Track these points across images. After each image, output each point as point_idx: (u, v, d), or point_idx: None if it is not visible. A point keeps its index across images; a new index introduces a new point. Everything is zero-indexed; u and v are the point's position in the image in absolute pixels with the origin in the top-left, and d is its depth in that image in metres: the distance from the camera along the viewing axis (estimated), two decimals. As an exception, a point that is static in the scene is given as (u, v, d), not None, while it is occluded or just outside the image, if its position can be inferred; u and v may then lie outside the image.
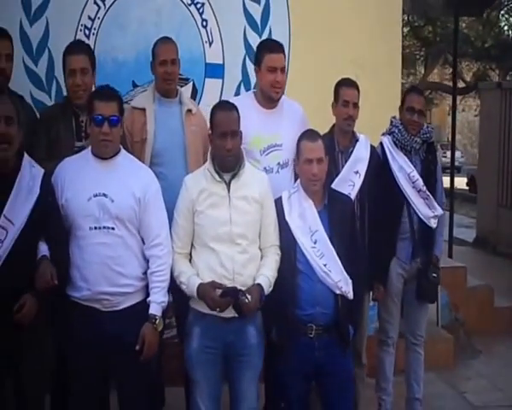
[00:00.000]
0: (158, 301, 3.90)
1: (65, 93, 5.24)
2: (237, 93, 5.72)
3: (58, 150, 4.26)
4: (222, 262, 3.90)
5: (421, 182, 4.80)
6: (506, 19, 20.68)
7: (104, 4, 5.50)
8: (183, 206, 3.99)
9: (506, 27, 21.07)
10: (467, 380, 6.39)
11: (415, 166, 4.84)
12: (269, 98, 4.58)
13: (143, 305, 3.91)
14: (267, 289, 3.95)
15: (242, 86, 5.75)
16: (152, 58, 4.70)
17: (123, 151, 4.03)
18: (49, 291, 3.72)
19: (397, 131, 4.85)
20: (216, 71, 5.71)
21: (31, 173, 3.83)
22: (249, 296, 3.86)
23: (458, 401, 5.92)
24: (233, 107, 4.03)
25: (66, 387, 4.05)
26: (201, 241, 3.96)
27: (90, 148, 4.01)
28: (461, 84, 18.07)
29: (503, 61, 17.81)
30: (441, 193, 5.01)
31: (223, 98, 5.60)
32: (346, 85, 4.70)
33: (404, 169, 4.82)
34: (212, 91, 5.60)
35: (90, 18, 5.48)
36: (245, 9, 5.76)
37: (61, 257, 3.83)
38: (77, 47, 4.50)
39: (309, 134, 4.19)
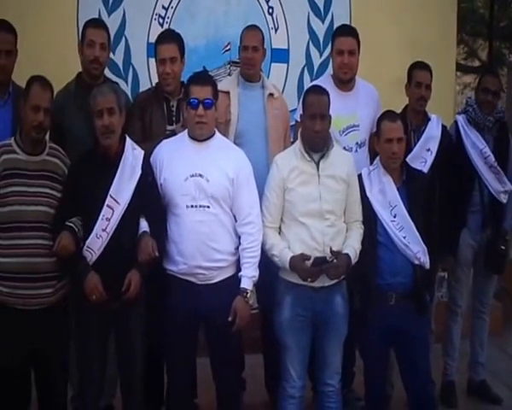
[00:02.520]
0: (249, 275, 3.95)
1: (141, 80, 5.40)
2: (301, 77, 5.79)
3: (150, 134, 4.30)
4: (313, 235, 3.93)
5: (492, 158, 4.83)
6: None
7: (177, -6, 5.53)
8: (274, 183, 4.02)
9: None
10: (516, 345, 6.42)
11: (487, 143, 4.86)
12: (340, 80, 4.61)
13: (235, 279, 3.97)
14: (354, 258, 3.99)
15: (306, 70, 5.79)
16: (239, 43, 4.73)
17: (217, 134, 4.07)
18: (151, 263, 3.80)
19: (471, 109, 4.89)
20: (281, 56, 5.74)
21: (133, 155, 3.90)
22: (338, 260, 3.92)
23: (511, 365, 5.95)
24: (324, 91, 4.06)
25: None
26: (292, 216, 4.00)
27: (186, 131, 4.04)
28: (475, 64, 17.89)
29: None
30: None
31: (287, 82, 5.67)
32: (418, 68, 4.73)
33: (476, 145, 4.84)
34: (277, 75, 5.63)
35: (163, 7, 5.52)
36: (309, -3, 5.77)
37: (160, 233, 3.89)
38: (167, 36, 4.50)
39: (389, 115, 4.20)
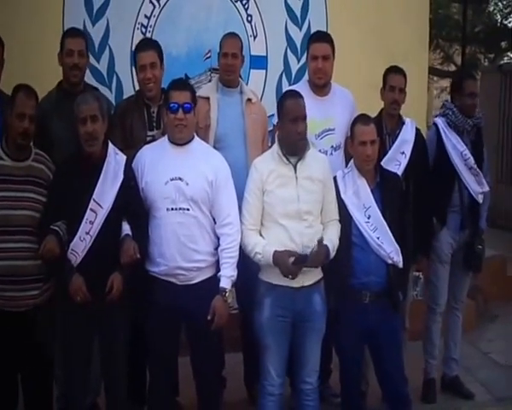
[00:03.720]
0: (228, 275, 4.01)
1: (125, 88, 5.45)
2: (279, 83, 5.89)
3: (132, 140, 4.36)
4: (291, 237, 3.99)
5: (472, 160, 4.93)
6: (495, 4, 20.59)
7: (159, 3, 5.62)
8: (253, 185, 4.08)
9: (496, 12, 21.00)
10: (489, 342, 6.51)
11: (466, 146, 4.95)
12: (314, 85, 4.69)
13: (215, 279, 4.02)
14: (332, 251, 4.05)
15: (284, 76, 5.88)
16: (218, 50, 4.80)
17: (196, 138, 4.14)
18: (133, 265, 3.86)
19: (450, 113, 4.97)
20: (260, 62, 5.84)
21: (115, 160, 3.97)
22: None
23: (485, 361, 6.05)
24: (300, 94, 4.13)
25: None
26: (271, 218, 4.05)
27: (166, 136, 4.11)
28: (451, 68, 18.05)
29: (491, 45, 17.75)
30: (487, 171, 5.11)
31: (266, 88, 5.75)
32: (393, 72, 4.82)
33: (457, 148, 4.94)
34: (256, 81, 5.72)
35: (146, 16, 5.59)
36: (286, 4, 5.90)
37: (142, 235, 3.95)
38: (146, 44, 4.58)
39: (362, 118, 4.29)
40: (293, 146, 4.05)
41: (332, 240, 4.08)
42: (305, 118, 4.03)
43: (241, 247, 4.07)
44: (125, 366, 4.00)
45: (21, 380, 3.95)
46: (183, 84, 4.16)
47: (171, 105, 3.96)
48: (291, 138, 4.03)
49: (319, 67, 4.65)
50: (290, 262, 3.94)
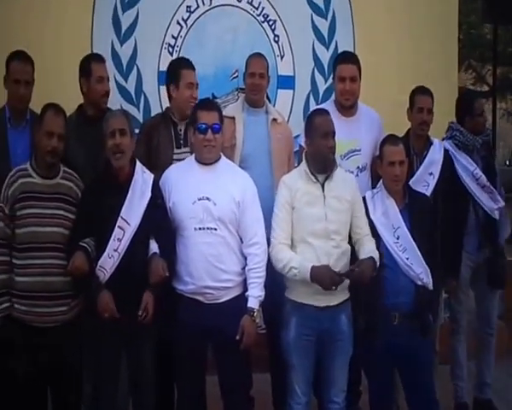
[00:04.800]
0: (255, 295, 4.08)
1: (152, 106, 5.58)
2: (307, 103, 5.96)
3: (159, 157, 4.46)
4: (318, 256, 4.06)
5: (484, 178, 4.98)
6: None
7: (186, 24, 5.76)
8: (283, 200, 4.15)
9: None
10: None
11: (477, 164, 5.01)
12: (341, 105, 4.78)
13: (242, 298, 4.10)
14: (377, 260, 4.11)
15: (311, 96, 5.97)
16: (245, 69, 4.91)
17: (223, 157, 4.24)
18: (163, 284, 3.95)
19: (458, 133, 5.03)
20: (287, 82, 5.94)
21: (143, 178, 4.07)
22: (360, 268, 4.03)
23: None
24: (328, 112, 4.26)
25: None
26: (298, 236, 4.12)
27: (193, 155, 4.22)
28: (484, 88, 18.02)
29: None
30: (500, 185, 5.15)
31: (293, 108, 5.85)
32: (420, 93, 4.90)
33: (467, 168, 4.99)
34: (283, 101, 5.82)
35: (173, 37, 5.74)
36: (313, 25, 6.00)
37: (169, 254, 4.04)
38: (190, 62, 4.69)
39: (391, 139, 4.37)
40: (324, 161, 4.13)
41: (374, 251, 4.14)
42: (334, 134, 4.14)
43: (268, 264, 4.13)
44: (153, 383, 4.07)
45: (51, 395, 4.05)
46: (210, 104, 4.27)
47: (200, 126, 4.07)
48: (321, 153, 4.11)
49: (347, 88, 4.75)
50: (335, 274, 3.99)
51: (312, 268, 4.00)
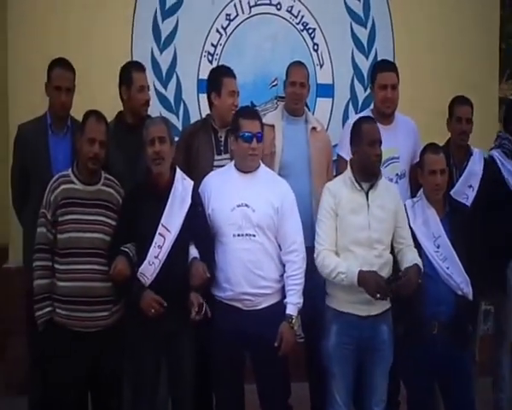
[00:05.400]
0: (294, 302, 4.10)
1: (191, 114, 5.64)
2: (346, 111, 5.97)
3: (198, 163, 4.50)
4: (360, 265, 4.06)
5: None
6: None
7: (225, 32, 5.82)
8: (328, 206, 4.17)
9: None
10: None
11: None
12: (382, 114, 4.79)
13: (280, 306, 4.12)
14: (422, 269, 4.11)
15: (350, 104, 5.98)
16: (285, 77, 4.94)
17: (262, 165, 4.28)
18: (204, 287, 4.00)
19: (507, 142, 5.00)
20: (326, 91, 5.96)
21: (183, 185, 4.12)
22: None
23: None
24: (374, 120, 4.30)
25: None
26: (341, 243, 4.14)
27: (232, 162, 4.26)
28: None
29: None
30: None
31: (332, 117, 5.87)
32: (459, 103, 4.89)
33: None
34: (322, 110, 5.84)
35: (212, 45, 5.80)
36: (353, 33, 6.01)
37: (209, 260, 4.08)
38: (232, 71, 4.74)
39: (432, 147, 4.37)
40: (370, 169, 4.15)
41: (418, 260, 4.13)
42: (381, 142, 4.16)
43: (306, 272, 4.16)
44: (192, 390, 4.10)
45: (91, 399, 4.12)
46: (254, 112, 4.32)
47: (244, 134, 4.11)
48: (369, 161, 4.13)
49: (388, 96, 4.77)
50: (382, 280, 3.99)
51: (360, 272, 4.01)
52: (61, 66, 4.52)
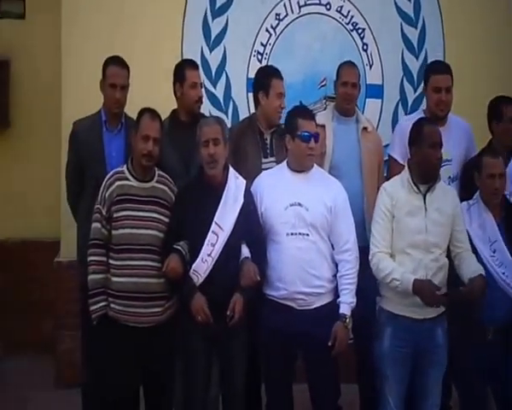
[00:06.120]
0: (347, 301, 4.09)
1: (241, 113, 5.66)
2: (395, 112, 5.92)
3: (246, 165, 4.47)
4: (416, 268, 4.03)
5: None
6: None
7: (275, 31, 5.80)
8: (384, 208, 4.13)
9: None
10: None
11: None
12: (435, 116, 4.73)
13: (333, 305, 4.11)
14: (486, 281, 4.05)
15: (400, 105, 5.92)
16: (336, 78, 4.93)
17: (315, 165, 4.26)
18: (253, 288, 4.00)
19: None
20: (376, 91, 5.90)
21: (236, 184, 4.13)
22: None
23: None
24: (435, 122, 4.27)
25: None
26: (397, 246, 4.10)
27: (284, 162, 4.26)
28: None
29: None
30: None
31: (382, 117, 5.84)
32: (506, 103, 4.80)
33: None
34: (372, 111, 5.78)
35: (262, 44, 5.78)
36: (403, 33, 5.93)
37: (261, 259, 4.08)
38: (279, 72, 4.74)
39: (491, 151, 4.33)
40: (429, 171, 4.10)
41: (482, 270, 4.07)
42: (441, 145, 4.11)
43: (359, 271, 4.14)
44: (244, 387, 4.11)
45: (144, 396, 4.14)
46: (310, 112, 4.33)
47: (303, 134, 4.10)
48: (429, 164, 4.09)
49: (443, 99, 4.72)
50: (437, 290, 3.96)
51: (415, 281, 3.96)
52: (115, 63, 4.56)
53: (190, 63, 4.82)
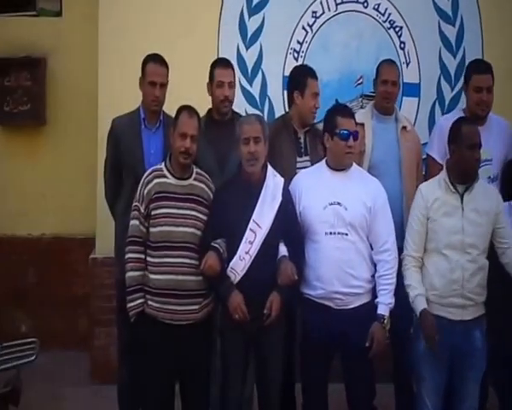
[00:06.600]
0: (386, 302, 4.06)
1: (276, 111, 5.64)
2: (432, 111, 5.85)
3: (280, 164, 4.40)
4: (452, 269, 3.98)
5: None
6: None
7: (311, 29, 5.77)
8: (418, 211, 4.11)
9: None
10: None
11: None
12: (475, 116, 4.67)
13: (370, 305, 4.08)
14: None
15: (437, 104, 5.86)
16: (375, 76, 4.90)
17: (354, 164, 4.23)
18: (290, 287, 3.98)
19: None
20: (412, 90, 5.83)
21: (274, 182, 4.10)
22: None
23: None
24: (475, 122, 4.21)
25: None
26: (434, 246, 4.06)
27: (323, 161, 4.23)
28: None
29: None
30: None
31: (418, 116, 5.78)
32: None
33: None
34: (408, 109, 5.71)
35: (298, 42, 5.75)
36: (440, 31, 5.86)
37: (298, 258, 4.06)
38: (315, 72, 4.73)
39: None
40: (467, 172, 4.05)
41: None
42: (480, 146, 4.05)
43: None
44: (280, 387, 4.09)
45: (180, 393, 4.13)
46: (350, 111, 4.30)
47: (342, 132, 4.07)
48: (467, 164, 4.03)
49: (484, 99, 4.68)
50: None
51: (422, 311, 3.98)
52: (155, 61, 4.56)
53: (220, 62, 4.81)
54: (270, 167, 4.14)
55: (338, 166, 4.14)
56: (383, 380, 4.70)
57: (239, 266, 3.96)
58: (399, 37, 5.84)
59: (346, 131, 4.06)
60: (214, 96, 4.65)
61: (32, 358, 4.06)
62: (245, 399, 4.27)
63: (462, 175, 4.05)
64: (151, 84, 4.51)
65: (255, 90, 5.73)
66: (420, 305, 3.99)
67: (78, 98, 6.15)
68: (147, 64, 4.57)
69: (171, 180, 4.07)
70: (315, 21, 5.78)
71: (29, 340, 4.20)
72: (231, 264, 3.96)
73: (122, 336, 4.53)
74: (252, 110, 5.56)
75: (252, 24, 5.73)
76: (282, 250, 4.05)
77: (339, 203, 4.05)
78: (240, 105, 5.30)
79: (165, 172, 4.09)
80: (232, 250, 3.98)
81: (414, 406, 4.16)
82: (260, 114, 5.57)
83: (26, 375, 4.13)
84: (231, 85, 4.66)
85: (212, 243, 3.99)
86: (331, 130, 4.11)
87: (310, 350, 4.11)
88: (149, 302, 3.99)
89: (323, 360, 4.12)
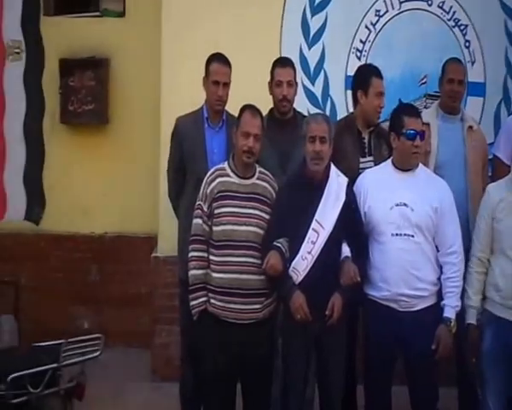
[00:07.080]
0: (452, 304, 3.99)
1: (338, 111, 5.59)
2: (497, 111, 5.71)
3: (343, 164, 4.32)
4: None
5: None
6: None
7: (375, 28, 5.69)
8: (484, 211, 4.06)
9: None
10: None
11: None
12: None
13: (436, 308, 4.01)
14: None
15: (503, 104, 5.72)
16: (441, 75, 4.82)
17: (420, 164, 4.17)
18: (353, 288, 3.93)
19: None
20: (477, 89, 5.70)
21: (337, 182, 4.05)
22: None
23: None
24: None
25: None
26: (499, 246, 3.99)
27: (389, 160, 4.18)
28: None
29: None
30: None
31: (483, 116, 5.66)
32: None
33: None
34: (473, 109, 5.57)
35: (361, 41, 5.68)
36: (507, 30, 5.72)
37: (362, 258, 4.01)
38: (380, 71, 4.68)
39: None
40: None
41: None
42: None
43: None
44: (342, 388, 4.05)
45: (242, 392, 4.11)
46: (416, 110, 4.24)
47: (409, 132, 4.01)
48: None
49: None
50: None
51: (469, 325, 4.01)
52: (219, 61, 4.57)
53: (280, 61, 4.79)
54: (333, 167, 4.09)
55: (404, 166, 4.07)
56: (447, 383, 4.63)
57: (301, 265, 3.92)
58: (464, 35, 5.72)
59: (412, 131, 4.00)
60: (274, 96, 4.63)
61: (97, 354, 4.12)
62: (306, 400, 4.22)
63: None
64: (214, 83, 4.52)
65: (317, 90, 5.67)
66: (469, 318, 3.99)
67: (141, 98, 6.21)
68: (210, 63, 4.58)
69: (235, 179, 4.06)
70: (378, 20, 5.70)
71: (94, 336, 4.27)
72: (293, 263, 3.93)
73: (184, 335, 4.55)
74: (314, 110, 5.49)
75: (314, 23, 5.68)
76: (345, 251, 4.00)
77: (405, 204, 3.99)
78: (302, 105, 5.25)
79: (229, 171, 4.09)
80: (294, 250, 3.94)
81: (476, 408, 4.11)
82: (323, 113, 5.56)
83: (90, 370, 4.18)
84: (290, 84, 4.62)
85: (275, 243, 3.96)
86: (398, 129, 4.05)
87: (373, 352, 4.06)
88: (212, 301, 3.99)
89: (387, 362, 4.06)
